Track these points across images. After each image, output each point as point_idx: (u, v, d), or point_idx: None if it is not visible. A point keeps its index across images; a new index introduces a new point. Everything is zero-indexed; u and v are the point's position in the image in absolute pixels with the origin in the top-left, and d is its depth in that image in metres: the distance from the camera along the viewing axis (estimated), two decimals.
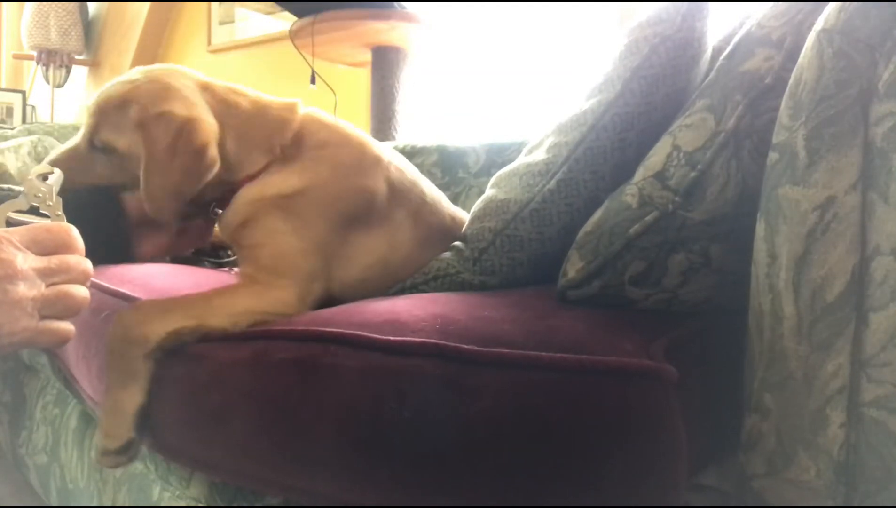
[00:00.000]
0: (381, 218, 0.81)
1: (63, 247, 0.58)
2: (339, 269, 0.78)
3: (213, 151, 0.77)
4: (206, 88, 0.83)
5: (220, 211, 0.84)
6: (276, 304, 0.69)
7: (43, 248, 0.56)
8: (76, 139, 0.85)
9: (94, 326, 0.87)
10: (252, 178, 0.81)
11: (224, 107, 0.82)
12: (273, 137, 0.82)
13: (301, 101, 0.87)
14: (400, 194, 0.84)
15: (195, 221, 0.90)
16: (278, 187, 0.79)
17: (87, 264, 0.60)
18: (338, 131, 0.86)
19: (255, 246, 0.77)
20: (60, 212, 0.63)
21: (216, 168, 0.78)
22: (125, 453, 0.66)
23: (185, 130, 0.76)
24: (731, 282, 0.66)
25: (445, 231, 0.87)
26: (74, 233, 0.60)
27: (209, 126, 0.79)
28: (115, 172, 0.84)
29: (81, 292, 0.59)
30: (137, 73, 0.86)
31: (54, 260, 0.57)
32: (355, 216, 0.80)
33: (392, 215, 0.82)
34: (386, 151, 0.87)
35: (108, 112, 0.81)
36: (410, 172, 0.89)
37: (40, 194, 0.62)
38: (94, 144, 0.83)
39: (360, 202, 0.80)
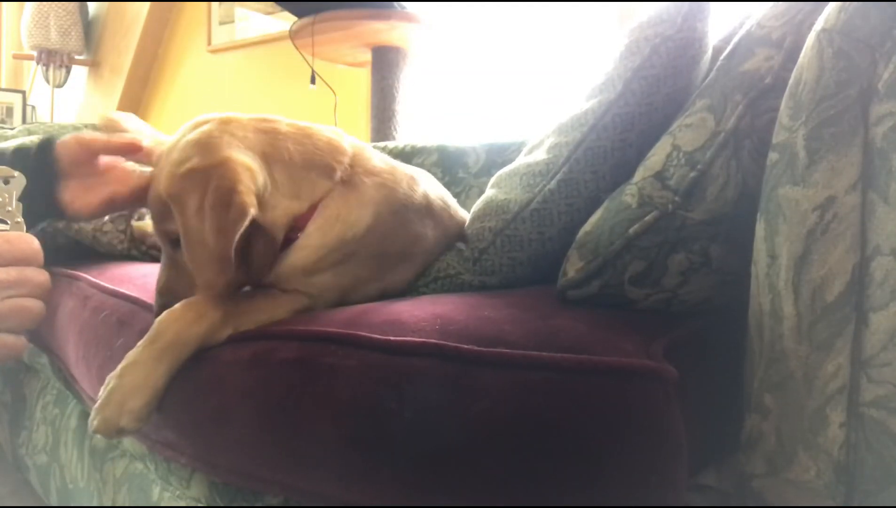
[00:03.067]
0: (419, 250, 0.82)
1: (22, 259, 0.57)
2: (370, 297, 0.78)
3: (242, 197, 0.66)
4: (233, 125, 0.73)
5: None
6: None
7: (1, 259, 0.55)
8: (163, 256, 0.76)
9: (94, 326, 0.87)
10: (314, 207, 0.73)
11: (262, 136, 0.73)
12: (330, 161, 0.75)
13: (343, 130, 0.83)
14: (437, 223, 0.84)
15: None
16: (356, 226, 0.74)
17: (46, 277, 0.59)
18: (387, 161, 0.82)
19: (310, 285, 0.74)
20: (20, 219, 0.60)
21: (249, 215, 0.66)
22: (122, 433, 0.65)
23: (212, 179, 0.66)
24: (731, 282, 0.66)
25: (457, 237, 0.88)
26: (35, 245, 0.58)
27: (237, 166, 0.68)
28: None
29: (37, 305, 0.58)
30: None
31: (12, 272, 0.55)
32: (403, 251, 0.80)
33: (431, 247, 0.83)
34: (424, 178, 0.85)
35: (156, 213, 0.74)
36: (441, 190, 0.89)
37: (0, 199, 0.59)
38: (169, 244, 0.74)
39: (410, 242, 0.80)
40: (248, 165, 0.69)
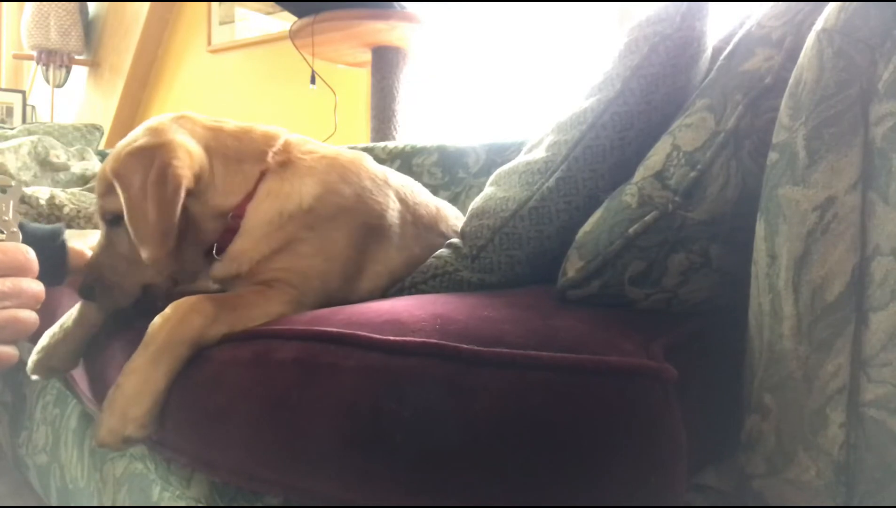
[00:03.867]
0: (393, 230, 0.82)
1: (17, 269, 0.57)
2: (353, 283, 0.79)
3: (177, 171, 0.72)
4: (184, 120, 0.80)
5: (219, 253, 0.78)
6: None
7: None
8: (100, 235, 0.80)
9: None
10: (251, 196, 0.77)
11: (207, 132, 0.79)
12: (262, 147, 0.79)
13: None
14: (402, 200, 0.85)
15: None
16: (295, 198, 0.77)
17: (40, 288, 0.59)
18: (328, 146, 0.85)
19: (279, 270, 0.75)
20: (16, 229, 0.61)
21: (183, 186, 0.72)
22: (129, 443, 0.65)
23: (156, 157, 0.72)
24: (731, 282, 0.66)
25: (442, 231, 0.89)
26: (31, 255, 0.59)
27: (177, 146, 0.74)
28: (129, 240, 0.76)
29: (31, 317, 0.58)
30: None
31: (7, 283, 0.56)
32: (371, 227, 0.80)
33: (403, 226, 0.83)
34: (379, 165, 0.87)
35: (100, 189, 0.78)
36: (407, 180, 0.90)
37: None
38: (109, 221, 0.78)
39: (374, 212, 0.80)
40: (188, 148, 0.75)
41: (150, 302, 0.78)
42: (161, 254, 0.72)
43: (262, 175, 0.78)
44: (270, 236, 0.76)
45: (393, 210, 0.82)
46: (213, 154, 0.77)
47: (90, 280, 0.77)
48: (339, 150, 0.85)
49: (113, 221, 0.77)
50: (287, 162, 0.79)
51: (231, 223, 0.77)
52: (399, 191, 0.85)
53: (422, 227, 0.86)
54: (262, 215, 0.77)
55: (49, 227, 0.77)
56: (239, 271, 0.77)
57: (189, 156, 0.74)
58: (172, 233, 0.72)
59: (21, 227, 0.65)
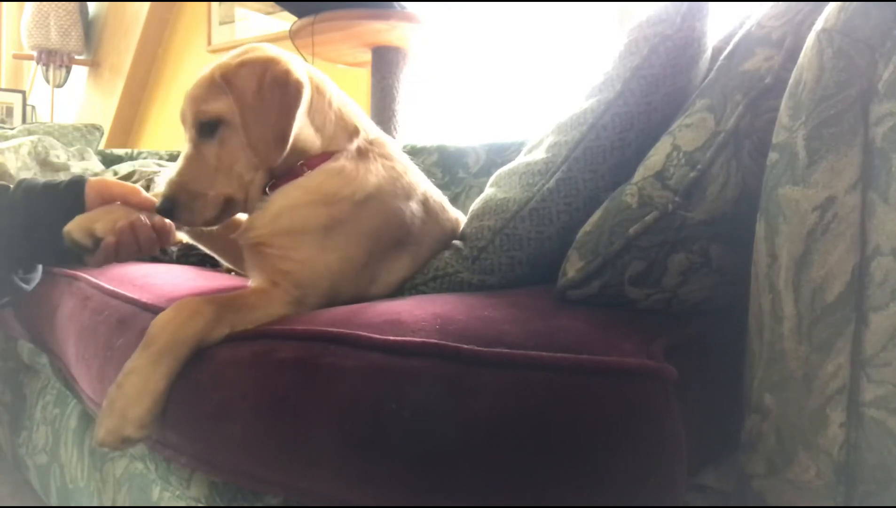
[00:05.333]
0: (412, 242, 0.82)
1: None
2: (364, 291, 0.79)
3: (297, 76, 0.75)
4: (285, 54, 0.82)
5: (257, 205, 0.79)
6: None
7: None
8: (185, 150, 0.79)
9: (95, 327, 0.87)
10: (324, 158, 0.79)
11: (317, 74, 0.82)
12: (357, 128, 0.82)
13: None
14: (432, 221, 0.85)
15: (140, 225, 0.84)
16: (353, 186, 0.77)
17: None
18: (402, 156, 0.86)
19: (289, 261, 0.74)
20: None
21: (305, 89, 0.76)
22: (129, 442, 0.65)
23: (269, 67, 0.75)
24: (731, 282, 0.66)
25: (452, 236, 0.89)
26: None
27: (293, 62, 0.77)
28: (233, 149, 0.77)
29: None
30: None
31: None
32: (396, 240, 0.81)
33: (421, 239, 0.83)
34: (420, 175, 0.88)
35: (200, 94, 0.78)
36: (439, 194, 0.90)
37: None
38: (202, 130, 0.77)
39: (404, 228, 0.81)
40: (299, 69, 0.77)
41: (229, 216, 0.81)
42: (275, 158, 0.75)
43: (343, 151, 0.80)
44: (317, 212, 0.76)
45: (420, 229, 0.83)
46: (317, 93, 0.80)
47: (170, 196, 0.77)
48: (409, 167, 0.85)
49: (207, 129, 0.77)
50: (366, 156, 0.81)
51: (297, 170, 0.78)
52: (431, 211, 0.85)
53: (441, 243, 0.86)
54: (325, 181, 0.77)
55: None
56: (273, 229, 0.76)
57: (306, 75, 0.78)
58: (288, 137, 0.74)
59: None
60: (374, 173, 0.79)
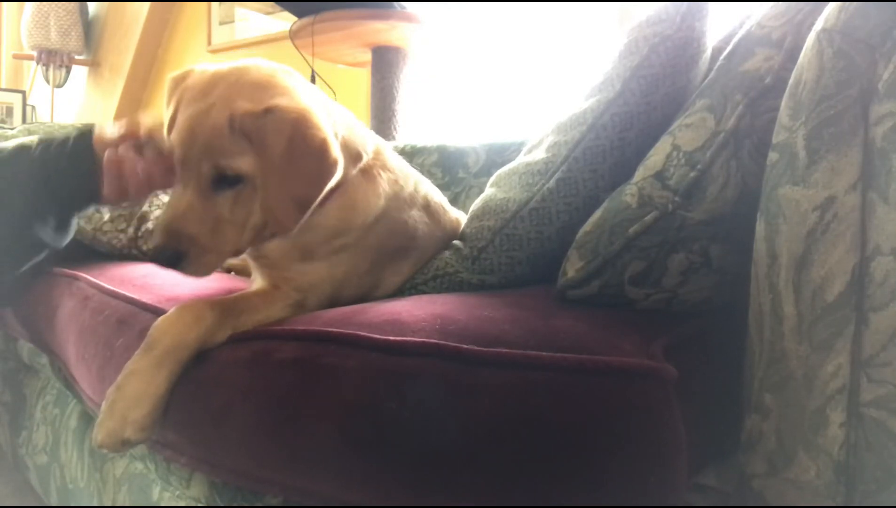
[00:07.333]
0: (415, 246, 0.83)
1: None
2: (367, 293, 0.79)
3: (335, 151, 0.68)
4: (288, 72, 0.75)
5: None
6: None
7: None
8: (184, 195, 0.69)
9: (95, 327, 0.87)
10: (331, 194, 0.72)
11: (321, 98, 0.75)
12: (360, 150, 0.77)
13: None
14: (434, 223, 0.85)
15: (155, 162, 0.82)
16: (361, 214, 0.75)
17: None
18: (399, 160, 0.85)
19: (294, 271, 0.74)
20: None
21: (339, 170, 0.68)
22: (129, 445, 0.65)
23: (299, 128, 0.66)
24: (731, 282, 0.66)
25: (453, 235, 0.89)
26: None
27: (321, 119, 0.69)
28: (250, 206, 0.69)
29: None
30: (219, 77, 0.70)
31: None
32: (402, 247, 0.81)
33: (424, 242, 0.84)
34: (425, 182, 0.88)
35: (218, 145, 0.67)
36: (439, 195, 0.90)
37: None
38: (218, 183, 0.68)
39: (410, 235, 0.82)
40: (331, 124, 0.70)
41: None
42: (292, 224, 0.68)
43: (349, 178, 0.75)
44: (333, 242, 0.76)
45: (424, 233, 0.83)
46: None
47: (177, 248, 0.67)
48: (409, 173, 0.84)
49: (224, 183, 0.68)
50: (370, 176, 0.78)
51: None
52: (433, 214, 0.85)
53: (442, 244, 0.86)
54: (341, 221, 0.75)
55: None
56: (282, 264, 0.75)
57: (332, 130, 0.70)
58: (311, 206, 0.67)
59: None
60: (381, 194, 0.78)
